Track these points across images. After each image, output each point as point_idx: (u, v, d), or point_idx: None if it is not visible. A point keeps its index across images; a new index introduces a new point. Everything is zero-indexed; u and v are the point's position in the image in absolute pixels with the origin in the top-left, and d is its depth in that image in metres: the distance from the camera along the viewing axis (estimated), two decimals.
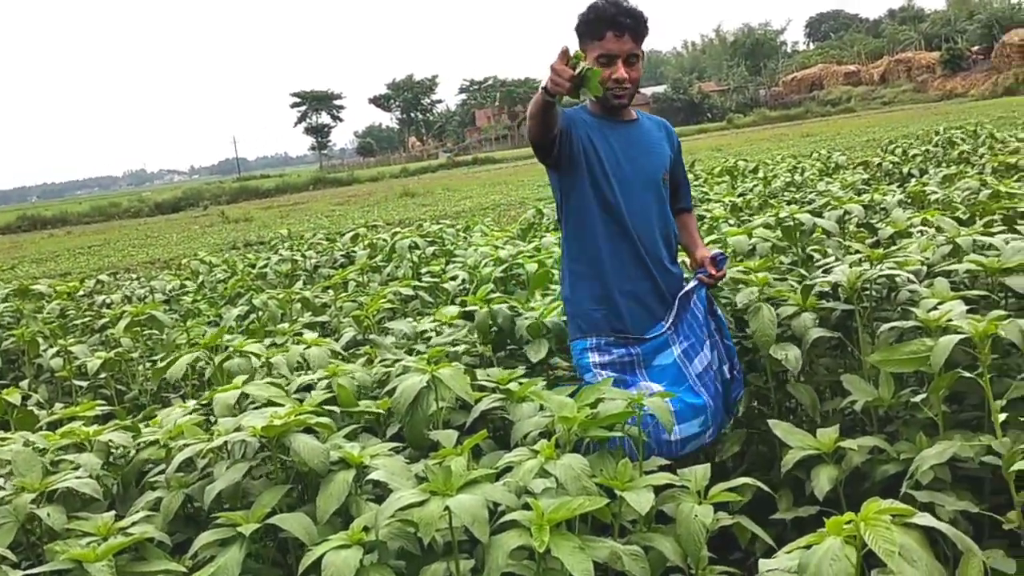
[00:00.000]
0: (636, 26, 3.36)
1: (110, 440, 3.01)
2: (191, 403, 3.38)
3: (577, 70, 2.91)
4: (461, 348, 4.00)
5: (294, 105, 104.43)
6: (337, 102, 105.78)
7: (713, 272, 3.49)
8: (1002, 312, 2.86)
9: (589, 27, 3.37)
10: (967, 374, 2.60)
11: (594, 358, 3.41)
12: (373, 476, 2.37)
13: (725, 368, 3.42)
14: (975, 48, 63.78)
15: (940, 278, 3.39)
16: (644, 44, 3.47)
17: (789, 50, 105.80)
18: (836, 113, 60.42)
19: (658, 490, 2.50)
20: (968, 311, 2.93)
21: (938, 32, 71.18)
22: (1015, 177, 7.53)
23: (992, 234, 3.89)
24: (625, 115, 3.56)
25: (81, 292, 8.00)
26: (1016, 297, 3.37)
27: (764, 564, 2.01)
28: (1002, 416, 2.52)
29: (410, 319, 4.76)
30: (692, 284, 3.48)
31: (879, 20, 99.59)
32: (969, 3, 73.23)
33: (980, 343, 2.47)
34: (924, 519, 1.77)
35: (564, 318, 3.88)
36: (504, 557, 1.98)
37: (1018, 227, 4.05)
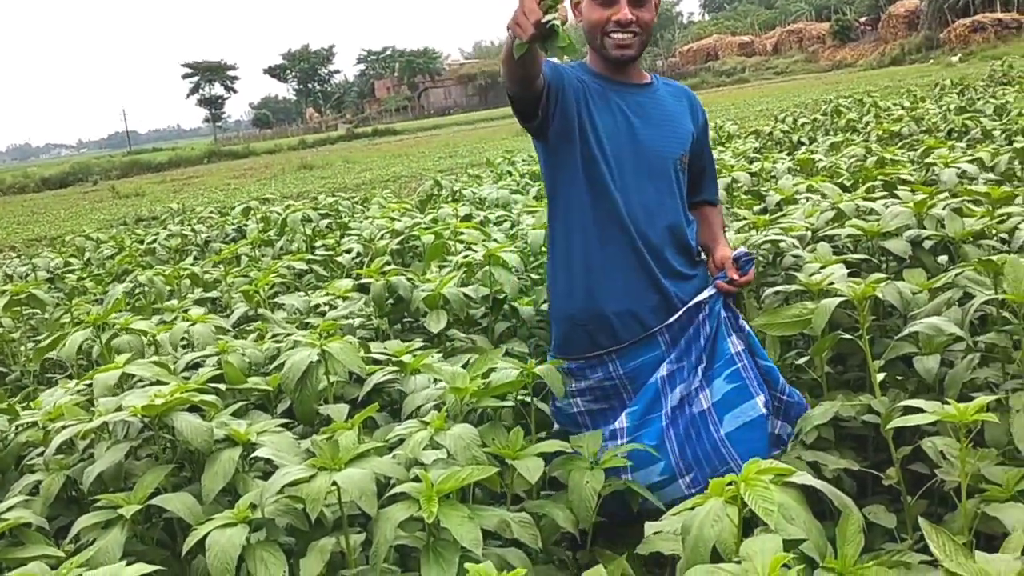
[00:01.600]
0: None
1: None
2: (74, 383, 3.27)
3: (545, 18, 2.19)
4: (356, 322, 3.95)
5: (186, 76, 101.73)
6: (231, 73, 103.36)
7: (735, 277, 2.79)
8: (882, 275, 2.94)
9: None
10: (848, 336, 2.66)
11: (568, 384, 2.85)
12: (259, 453, 2.33)
13: (758, 401, 2.69)
14: (863, 19, 65.55)
15: (823, 243, 3.48)
16: None
17: (685, 21, 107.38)
18: (731, 83, 61.51)
19: (550, 457, 2.51)
20: (849, 274, 3.00)
21: (828, 3, 72.94)
22: (899, 144, 7.77)
23: (873, 199, 4.01)
24: (635, 76, 2.88)
25: None
26: (896, 260, 3.47)
27: (650, 527, 2.03)
28: (880, 376, 2.60)
29: (303, 293, 4.69)
30: (707, 292, 2.79)
31: None
32: None
33: (859, 305, 2.54)
34: (802, 478, 1.81)
35: (465, 290, 3.83)
36: (392, 530, 1.96)
37: (898, 192, 4.17)
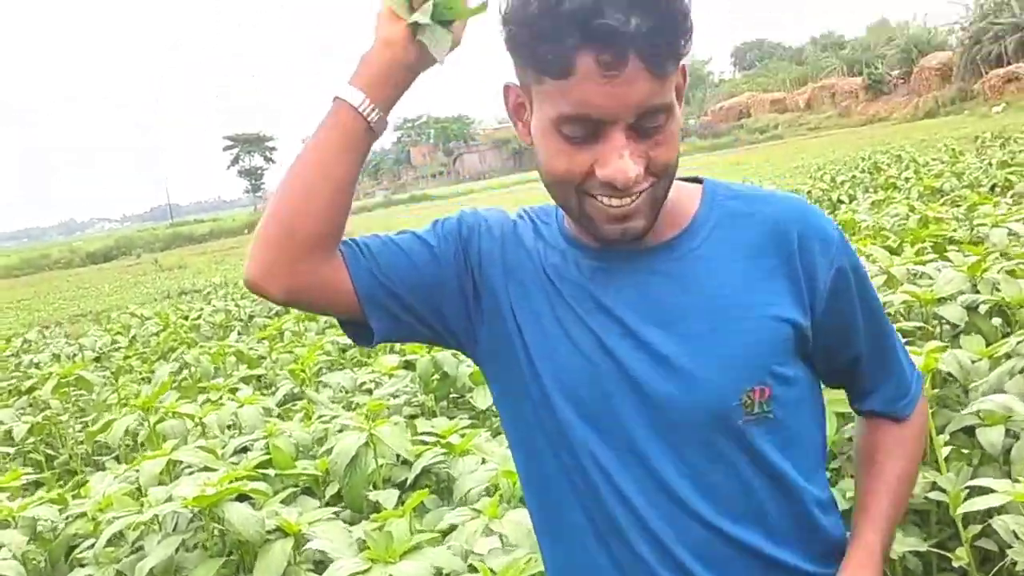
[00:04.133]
0: (654, 30, 1.11)
1: (36, 516, 2.88)
2: (123, 468, 3.27)
3: (413, 17, 1.23)
4: (402, 399, 3.93)
5: (227, 148, 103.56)
6: (270, 143, 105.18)
7: None
8: (938, 343, 2.87)
9: (533, 46, 1.15)
10: None
11: None
12: (312, 545, 2.29)
13: None
14: (895, 72, 65.55)
15: None
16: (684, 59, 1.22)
17: (716, 80, 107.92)
18: (764, 140, 61.58)
19: None
20: (905, 342, 2.94)
21: (859, 58, 72.95)
22: (941, 201, 7.70)
23: (924, 263, 3.94)
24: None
25: (8, 352, 7.78)
26: (951, 325, 3.40)
27: None
28: (945, 450, 2.52)
29: (348, 370, 4.68)
30: None
31: (802, 48, 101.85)
32: (887, 29, 75.35)
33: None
34: None
35: None
36: None
37: (948, 254, 4.10)
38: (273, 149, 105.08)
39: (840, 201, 9.73)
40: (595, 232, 1.26)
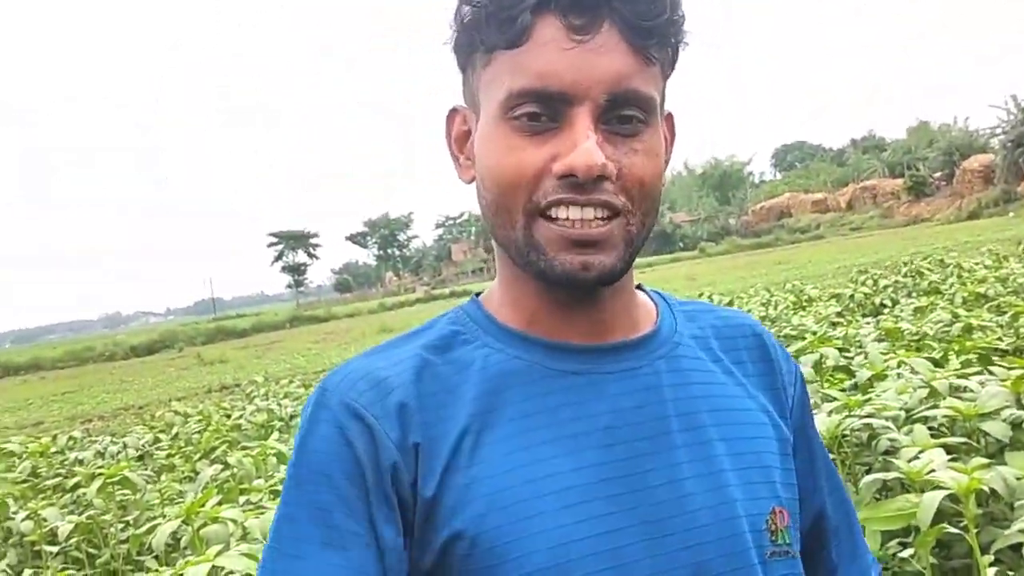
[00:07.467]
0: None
1: None
2: (167, 573, 3.28)
3: None
4: None
5: (271, 244, 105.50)
6: (313, 240, 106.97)
7: None
8: (983, 459, 2.85)
9: (486, 15, 0.90)
10: (953, 529, 2.57)
11: None
12: None
13: None
14: (937, 174, 65.62)
15: (919, 425, 3.39)
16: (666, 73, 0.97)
17: (757, 180, 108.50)
18: (806, 240, 61.60)
19: None
20: (950, 458, 2.92)
21: (900, 160, 73.28)
22: (985, 306, 7.66)
23: (967, 375, 3.92)
24: (611, 318, 1.00)
25: (53, 449, 7.89)
26: (995, 439, 3.37)
27: None
28: (992, 571, 2.49)
29: None
30: None
31: (842, 150, 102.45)
32: (928, 132, 75.72)
33: (964, 498, 2.45)
34: None
35: None
36: None
37: (992, 368, 4.08)
38: (317, 246, 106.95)
39: (883, 305, 9.69)
40: (546, 269, 0.92)
